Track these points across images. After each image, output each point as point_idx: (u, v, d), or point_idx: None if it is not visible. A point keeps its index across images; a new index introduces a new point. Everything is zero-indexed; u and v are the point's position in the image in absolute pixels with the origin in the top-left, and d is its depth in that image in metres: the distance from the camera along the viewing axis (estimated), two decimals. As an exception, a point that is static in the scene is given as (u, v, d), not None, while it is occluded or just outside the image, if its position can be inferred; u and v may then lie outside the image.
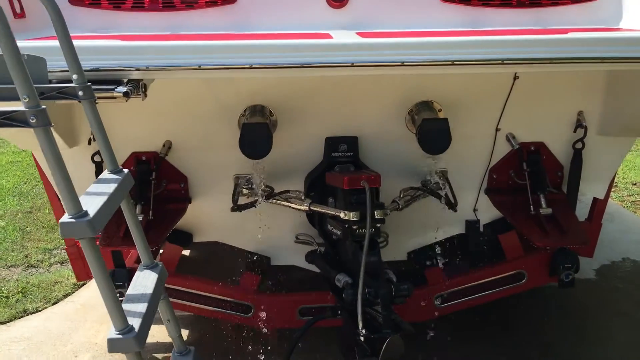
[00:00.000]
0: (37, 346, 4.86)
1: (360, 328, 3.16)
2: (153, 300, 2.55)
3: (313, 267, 4.22)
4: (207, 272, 4.81)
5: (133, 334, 2.26)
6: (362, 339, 3.21)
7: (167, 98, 3.66)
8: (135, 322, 2.32)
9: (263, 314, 4.24)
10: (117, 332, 2.26)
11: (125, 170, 2.66)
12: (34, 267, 6.30)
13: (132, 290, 2.59)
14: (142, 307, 2.44)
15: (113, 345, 2.25)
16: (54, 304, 5.56)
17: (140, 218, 3.76)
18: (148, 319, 2.41)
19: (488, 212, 4.35)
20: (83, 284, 5.91)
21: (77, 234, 2.10)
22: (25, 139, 3.67)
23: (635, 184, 9.01)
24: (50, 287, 5.84)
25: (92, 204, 2.23)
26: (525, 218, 3.99)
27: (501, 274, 4.40)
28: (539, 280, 4.45)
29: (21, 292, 5.71)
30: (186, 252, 6.03)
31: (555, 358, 4.54)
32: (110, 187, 2.45)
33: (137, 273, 2.75)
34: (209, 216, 4.20)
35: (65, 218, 2.09)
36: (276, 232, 4.22)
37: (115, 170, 2.63)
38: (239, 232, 4.17)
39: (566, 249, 4.22)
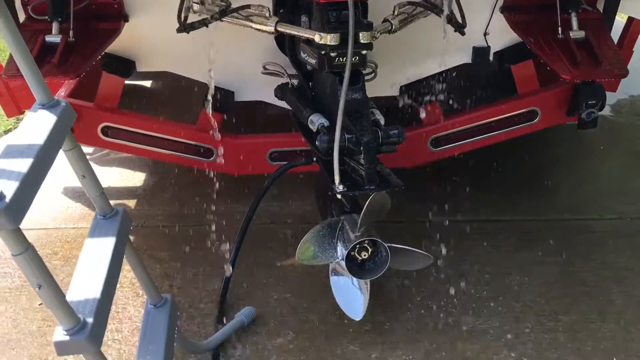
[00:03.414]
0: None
1: (337, 184, 2.50)
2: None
3: (285, 104, 3.47)
4: (160, 110, 4.08)
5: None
6: (339, 196, 2.58)
7: None
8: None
9: (226, 158, 3.58)
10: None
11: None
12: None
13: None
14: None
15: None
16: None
17: (58, 39, 2.95)
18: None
19: (501, 37, 3.56)
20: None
21: None
22: None
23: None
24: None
25: None
26: (551, 43, 3.20)
27: (510, 112, 3.69)
28: (554, 119, 3.74)
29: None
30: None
31: (556, 211, 3.98)
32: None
33: None
34: (154, 39, 3.37)
35: None
36: (239, 60, 3.43)
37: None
38: (192, 59, 3.35)
39: (592, 82, 3.47)
